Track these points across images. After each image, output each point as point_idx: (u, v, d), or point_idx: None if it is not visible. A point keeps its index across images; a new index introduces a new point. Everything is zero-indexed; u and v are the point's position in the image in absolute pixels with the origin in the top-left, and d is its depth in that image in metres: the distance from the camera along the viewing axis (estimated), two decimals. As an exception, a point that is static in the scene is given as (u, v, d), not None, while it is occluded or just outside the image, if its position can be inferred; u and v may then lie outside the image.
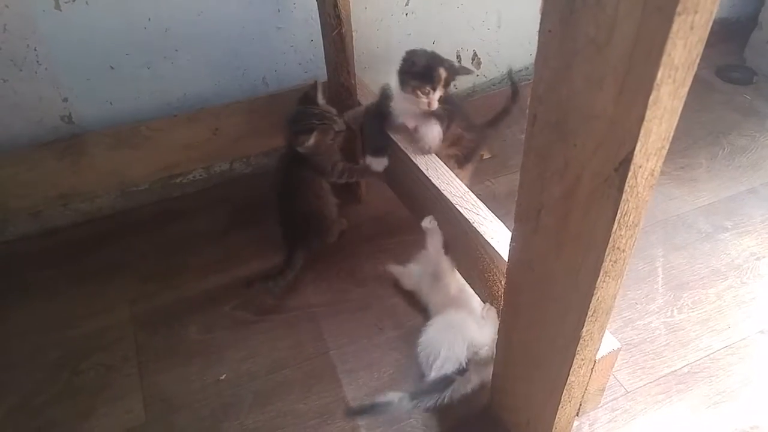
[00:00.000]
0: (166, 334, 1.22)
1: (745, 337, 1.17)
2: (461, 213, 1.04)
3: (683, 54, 0.48)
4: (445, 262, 1.15)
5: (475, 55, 1.72)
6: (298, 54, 1.50)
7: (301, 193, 1.32)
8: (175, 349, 1.19)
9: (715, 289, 1.27)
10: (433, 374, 1.02)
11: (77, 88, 1.35)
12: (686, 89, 0.51)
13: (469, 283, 1.11)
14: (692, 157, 1.64)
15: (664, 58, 0.47)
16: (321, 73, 1.48)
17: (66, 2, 1.23)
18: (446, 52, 1.64)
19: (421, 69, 1.14)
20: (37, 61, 1.28)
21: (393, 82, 1.20)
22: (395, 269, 1.28)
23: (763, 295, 1.25)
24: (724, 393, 1.08)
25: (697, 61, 0.49)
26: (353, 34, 1.33)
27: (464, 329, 1.06)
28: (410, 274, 1.25)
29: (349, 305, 1.27)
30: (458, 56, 1.70)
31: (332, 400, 1.09)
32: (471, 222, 1.01)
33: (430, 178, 1.13)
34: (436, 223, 1.14)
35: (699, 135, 1.71)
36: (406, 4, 1.53)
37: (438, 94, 1.15)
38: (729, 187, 1.53)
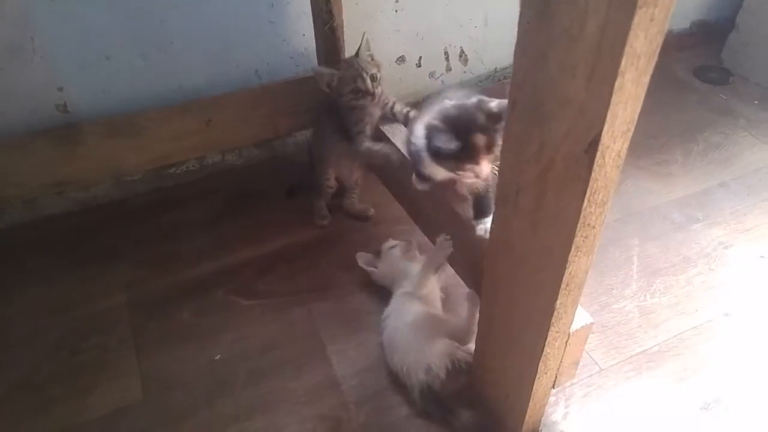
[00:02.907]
0: (161, 318, 1.26)
1: (711, 319, 1.24)
2: (443, 198, 1.09)
3: (644, 44, 0.53)
4: (431, 275, 1.20)
5: (462, 52, 1.78)
6: (290, 47, 1.55)
7: (317, 133, 1.40)
8: (170, 332, 1.23)
9: (685, 276, 1.34)
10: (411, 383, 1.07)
11: (72, 78, 1.38)
12: (648, 77, 0.57)
13: (452, 267, 1.17)
14: (668, 153, 1.71)
15: (627, 48, 0.52)
16: (312, 66, 1.53)
17: (62, -8, 1.26)
18: (434, 49, 1.71)
19: (452, 149, 0.89)
20: (33, 50, 1.31)
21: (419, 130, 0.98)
22: (363, 258, 1.30)
23: (729, 281, 1.32)
24: (690, 369, 1.14)
25: (658, 50, 0.55)
26: (344, 28, 1.38)
27: (429, 331, 1.11)
28: (377, 273, 1.29)
29: (339, 290, 1.32)
30: (446, 53, 1.75)
31: (322, 378, 1.14)
32: (454, 207, 1.07)
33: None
34: (450, 242, 1.13)
35: (675, 132, 1.78)
36: (396, 1, 1.58)
37: (485, 164, 0.91)
38: (702, 182, 1.60)
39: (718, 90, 1.97)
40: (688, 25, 2.15)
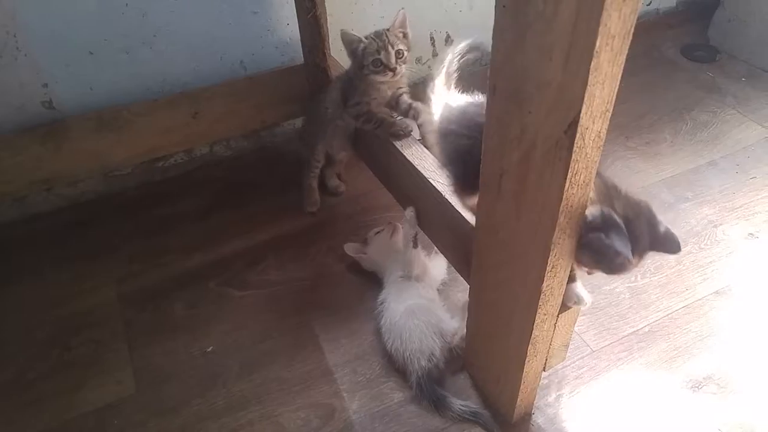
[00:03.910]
0: (153, 311, 1.26)
1: (701, 297, 1.25)
2: (433, 186, 1.09)
3: (618, 24, 0.53)
4: (412, 250, 1.20)
5: (448, 36, 1.77)
6: (274, 37, 1.54)
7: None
8: (162, 325, 1.23)
9: (675, 255, 1.34)
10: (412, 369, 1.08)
11: (57, 74, 1.37)
12: (623, 57, 0.56)
13: (440, 250, 1.17)
14: (657, 132, 1.71)
15: (601, 28, 0.52)
16: (297, 56, 1.52)
17: (44, -12, 1.25)
18: (420, 34, 1.70)
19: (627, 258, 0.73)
20: (17, 48, 1.30)
21: None
22: (351, 248, 1.30)
23: (719, 259, 1.33)
24: (681, 348, 1.15)
25: (632, 31, 0.55)
26: (328, 17, 1.37)
27: (431, 318, 1.12)
28: (366, 259, 1.29)
29: (330, 279, 1.32)
30: (432, 38, 1.74)
31: (315, 367, 1.14)
32: (442, 193, 1.06)
33: (405, 155, 1.18)
34: (414, 214, 1.18)
35: (664, 111, 1.78)
36: (380, -13, 1.58)
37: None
38: (691, 160, 1.61)
39: (706, 68, 1.96)
40: (675, 4, 2.14)
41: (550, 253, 0.72)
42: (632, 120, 1.75)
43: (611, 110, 0.61)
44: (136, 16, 1.37)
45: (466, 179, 0.91)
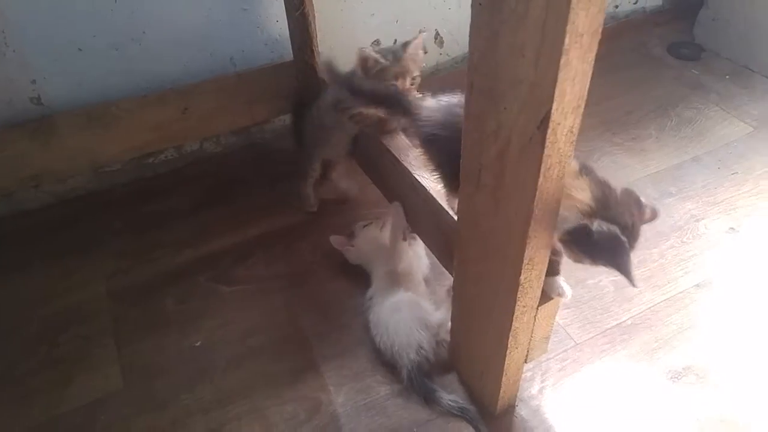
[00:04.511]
0: (143, 306, 1.28)
1: (683, 290, 1.27)
2: (420, 183, 1.11)
3: (586, 22, 0.55)
4: (400, 243, 1.23)
5: (437, 34, 1.78)
6: (264, 34, 1.54)
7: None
8: (151, 320, 1.25)
9: (658, 249, 1.37)
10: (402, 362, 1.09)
11: (46, 70, 1.37)
12: (593, 54, 0.58)
13: (427, 246, 1.19)
14: (643, 128, 1.73)
15: (569, 26, 0.54)
16: (287, 52, 1.53)
17: (32, -15, 1.26)
18: (409, 32, 1.71)
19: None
20: (6, 44, 1.30)
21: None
22: (336, 240, 1.31)
23: (700, 253, 1.35)
24: (662, 340, 1.17)
25: (600, 29, 0.56)
26: (316, 14, 1.38)
27: (418, 311, 1.14)
28: (353, 251, 1.31)
29: (318, 275, 1.33)
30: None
31: (302, 362, 1.16)
32: (428, 189, 1.08)
33: (394, 152, 1.20)
34: (401, 208, 1.21)
35: (650, 108, 1.80)
36: (369, -15, 1.59)
37: None
38: (675, 156, 1.63)
39: (691, 66, 1.99)
40: (661, 2, 2.16)
41: (527, 246, 0.74)
42: (619, 116, 1.77)
43: (583, 106, 0.63)
44: (125, 13, 1.37)
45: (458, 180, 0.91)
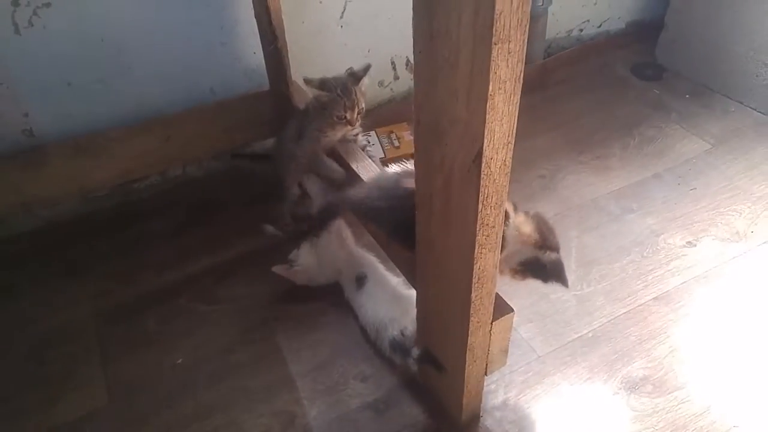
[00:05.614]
0: (127, 327, 1.33)
1: (642, 303, 1.34)
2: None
3: (507, 71, 0.62)
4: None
5: (408, 61, 1.86)
6: (242, 65, 1.62)
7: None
8: (134, 340, 1.30)
9: (619, 263, 1.44)
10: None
11: (37, 104, 1.44)
12: (517, 97, 0.65)
13: (398, 268, 1.25)
14: (607, 147, 1.81)
15: (491, 75, 0.61)
16: (264, 81, 1.61)
17: (25, 27, 1.33)
18: (381, 59, 1.79)
19: None
20: (-1, 80, 1.37)
21: None
22: (280, 269, 1.35)
23: (659, 267, 1.42)
24: (621, 352, 1.24)
25: (521, 76, 0.64)
26: (293, 44, 1.46)
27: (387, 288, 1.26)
28: (301, 272, 1.36)
29: (294, 293, 1.38)
30: (393, 63, 1.84)
31: (278, 377, 1.21)
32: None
33: (357, 171, 1.28)
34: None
35: (614, 127, 1.89)
36: (341, 17, 1.66)
37: None
38: (637, 174, 1.71)
39: (653, 85, 2.08)
40: (624, 26, 2.26)
41: (474, 267, 0.81)
42: (585, 136, 1.85)
43: (513, 142, 0.70)
44: (112, 50, 1.44)
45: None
